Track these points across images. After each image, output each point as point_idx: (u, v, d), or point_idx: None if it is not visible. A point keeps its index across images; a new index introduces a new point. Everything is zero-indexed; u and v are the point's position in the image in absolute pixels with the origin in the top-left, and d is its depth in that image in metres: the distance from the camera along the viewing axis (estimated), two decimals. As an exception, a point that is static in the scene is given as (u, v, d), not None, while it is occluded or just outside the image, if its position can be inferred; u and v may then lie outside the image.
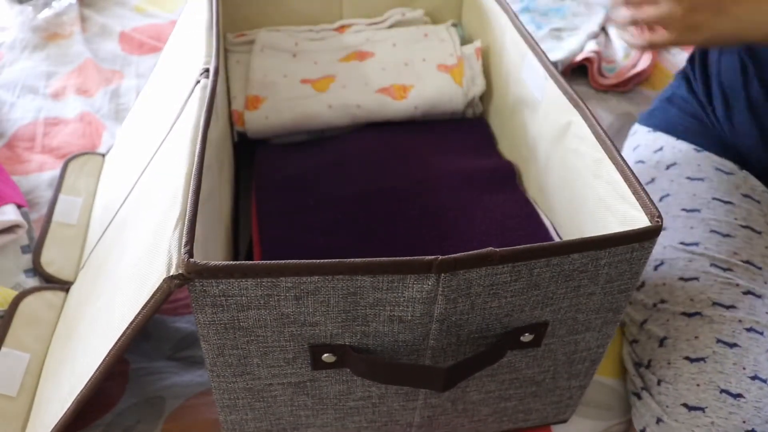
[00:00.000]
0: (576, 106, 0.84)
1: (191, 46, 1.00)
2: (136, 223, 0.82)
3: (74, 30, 1.63)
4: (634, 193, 0.70)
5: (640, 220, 0.69)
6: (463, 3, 1.28)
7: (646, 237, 0.66)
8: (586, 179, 0.81)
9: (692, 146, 1.13)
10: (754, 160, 1.09)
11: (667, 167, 1.11)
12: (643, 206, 0.69)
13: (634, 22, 0.91)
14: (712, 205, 1.02)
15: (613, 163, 0.75)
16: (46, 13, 1.63)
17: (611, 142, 0.77)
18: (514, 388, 0.80)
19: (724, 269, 0.93)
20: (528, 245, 0.62)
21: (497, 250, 0.62)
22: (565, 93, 0.86)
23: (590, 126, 0.80)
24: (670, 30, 0.88)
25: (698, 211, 1.02)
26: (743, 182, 1.07)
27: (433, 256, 0.60)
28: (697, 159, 1.11)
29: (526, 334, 0.71)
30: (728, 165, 1.09)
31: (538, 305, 0.68)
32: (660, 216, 0.66)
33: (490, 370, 0.75)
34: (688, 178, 1.08)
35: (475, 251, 0.61)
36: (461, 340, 0.69)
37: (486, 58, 1.17)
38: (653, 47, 0.91)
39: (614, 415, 0.93)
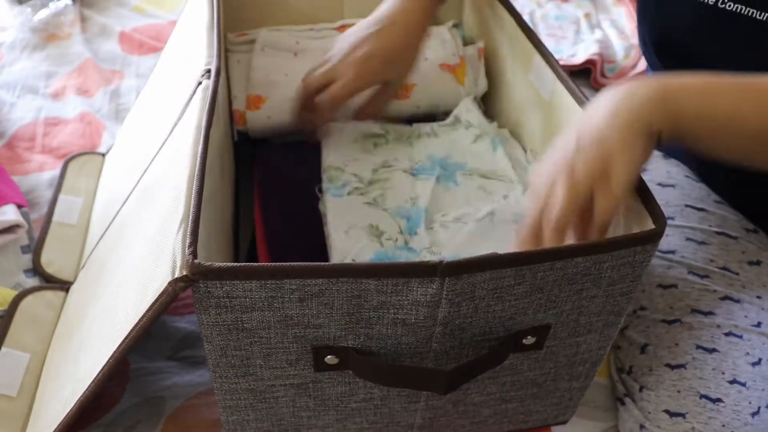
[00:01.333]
0: (583, 107, 0.84)
1: (192, 46, 1.00)
2: (138, 224, 0.82)
3: (74, 30, 1.63)
4: (640, 194, 0.71)
5: (645, 223, 0.69)
6: (464, 3, 1.28)
7: (648, 240, 0.66)
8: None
9: (659, 153, 1.14)
10: (709, 173, 1.10)
11: None
12: (649, 209, 0.69)
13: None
14: (685, 212, 1.03)
15: None
16: (45, 12, 1.63)
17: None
18: (515, 390, 0.80)
19: (702, 276, 0.94)
20: (531, 249, 0.62)
21: (501, 254, 0.62)
22: (574, 95, 0.86)
23: None
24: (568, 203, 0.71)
25: (672, 218, 1.03)
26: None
27: (437, 260, 0.61)
28: (666, 165, 1.12)
29: (529, 337, 0.71)
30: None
31: (541, 308, 0.68)
32: (664, 219, 0.67)
33: (492, 372, 0.75)
34: (659, 184, 1.08)
35: (480, 255, 0.61)
36: (464, 342, 0.70)
37: (489, 59, 1.17)
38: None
39: (613, 416, 0.93)
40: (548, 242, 0.70)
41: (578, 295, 0.68)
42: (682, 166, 1.12)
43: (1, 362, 0.89)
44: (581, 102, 0.84)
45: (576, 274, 0.66)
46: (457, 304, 0.64)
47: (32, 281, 1.04)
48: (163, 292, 0.62)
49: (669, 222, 1.01)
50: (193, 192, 0.68)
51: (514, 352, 0.73)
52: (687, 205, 1.04)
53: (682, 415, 0.82)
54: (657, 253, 0.98)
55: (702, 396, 0.82)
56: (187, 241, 0.63)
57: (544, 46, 0.95)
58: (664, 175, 1.10)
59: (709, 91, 0.72)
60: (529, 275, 0.64)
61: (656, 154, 1.15)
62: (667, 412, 0.83)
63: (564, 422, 0.90)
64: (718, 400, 0.82)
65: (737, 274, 0.95)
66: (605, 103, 0.72)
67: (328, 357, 0.69)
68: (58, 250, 1.08)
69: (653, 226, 0.68)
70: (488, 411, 0.82)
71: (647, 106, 0.70)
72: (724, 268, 0.95)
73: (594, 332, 0.75)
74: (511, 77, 1.08)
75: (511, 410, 0.84)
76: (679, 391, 0.84)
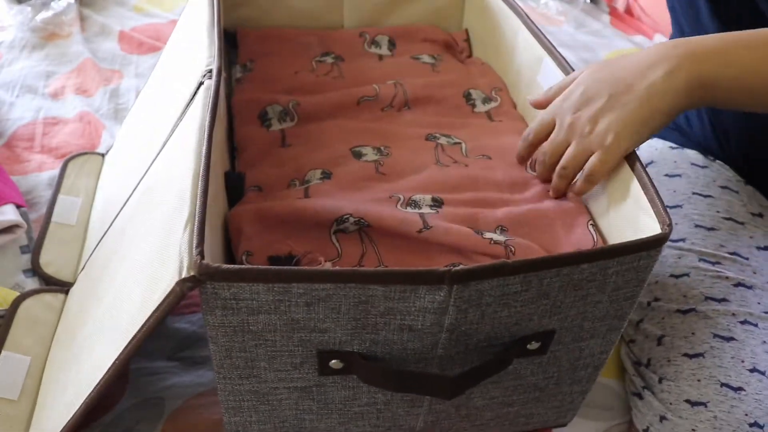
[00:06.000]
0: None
1: (192, 46, 1.00)
2: (141, 224, 0.82)
3: (73, 30, 1.63)
4: (650, 200, 0.71)
5: (651, 228, 0.69)
6: (465, 3, 1.28)
7: (654, 245, 0.66)
8: (603, 185, 0.82)
9: (667, 143, 1.15)
10: (716, 153, 1.11)
11: (645, 166, 1.12)
12: (657, 214, 0.69)
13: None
14: (692, 200, 1.04)
15: (631, 169, 0.76)
16: (45, 13, 1.63)
17: (628, 147, 0.77)
18: (518, 394, 0.80)
19: (713, 263, 0.95)
20: (538, 257, 0.62)
21: (509, 261, 0.62)
22: None
23: None
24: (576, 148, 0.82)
25: (680, 206, 1.03)
26: (718, 175, 1.08)
27: (446, 268, 0.61)
28: (673, 156, 1.13)
29: (533, 343, 0.71)
30: (701, 158, 1.11)
31: (546, 314, 0.69)
32: (670, 224, 0.67)
33: (496, 376, 0.75)
34: (666, 175, 1.09)
35: (488, 263, 0.62)
36: (469, 348, 0.70)
37: (494, 60, 1.17)
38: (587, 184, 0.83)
39: (615, 415, 0.93)
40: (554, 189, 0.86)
41: (583, 301, 0.69)
42: (687, 152, 1.12)
43: (2, 366, 0.88)
44: None
45: (581, 280, 0.66)
46: (464, 311, 0.64)
47: (31, 281, 1.04)
48: (170, 292, 0.62)
49: (677, 210, 1.03)
50: (199, 191, 0.68)
51: (518, 357, 0.73)
52: (694, 193, 1.05)
53: (704, 404, 0.82)
54: (667, 243, 0.98)
55: (723, 384, 0.83)
56: (195, 241, 0.62)
57: (554, 46, 0.95)
58: (672, 166, 1.10)
59: (746, 62, 0.79)
60: (536, 282, 0.64)
61: (664, 145, 1.15)
62: (688, 401, 0.83)
63: (564, 424, 0.90)
64: (740, 388, 0.82)
65: (747, 259, 0.95)
66: (646, 71, 0.80)
67: (333, 361, 0.69)
68: (57, 250, 1.07)
69: (659, 231, 0.68)
70: (490, 414, 0.82)
71: (683, 93, 0.79)
72: (734, 254, 0.96)
73: (597, 337, 0.75)
74: (517, 78, 1.08)
75: (513, 413, 0.84)
76: (699, 380, 0.84)
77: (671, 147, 1.15)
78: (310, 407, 0.76)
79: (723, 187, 1.06)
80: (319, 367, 0.70)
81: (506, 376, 0.76)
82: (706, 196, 1.04)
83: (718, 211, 1.01)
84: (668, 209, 1.01)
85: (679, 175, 1.08)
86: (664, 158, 1.13)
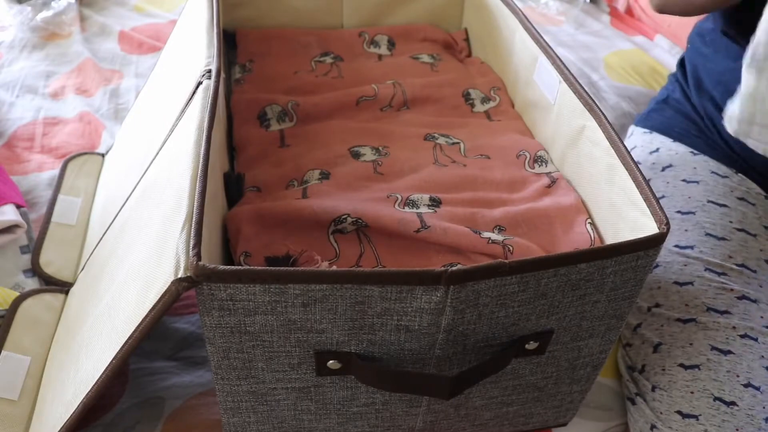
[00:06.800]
0: (590, 110, 0.84)
1: (192, 46, 1.00)
2: (139, 225, 0.82)
3: (73, 29, 1.63)
4: (646, 200, 0.71)
5: (649, 228, 0.69)
6: (464, 3, 1.28)
7: (651, 245, 0.66)
8: (600, 185, 0.82)
9: (689, 149, 1.14)
10: (749, 164, 1.10)
11: (663, 169, 1.12)
12: (653, 213, 0.69)
13: None
14: (707, 207, 1.03)
15: (627, 170, 0.75)
16: (46, 12, 1.63)
17: (625, 147, 0.77)
18: (517, 394, 0.80)
19: (719, 273, 0.94)
20: (536, 257, 0.62)
21: (506, 261, 0.62)
22: (580, 97, 0.86)
23: (604, 131, 0.80)
24: None
25: (693, 213, 1.02)
26: (738, 185, 1.07)
27: (442, 268, 0.61)
28: (694, 162, 1.12)
29: (531, 342, 0.71)
30: (723, 168, 1.10)
31: (544, 314, 0.68)
32: (668, 223, 0.67)
33: (494, 376, 0.75)
34: (684, 180, 1.08)
35: (485, 263, 0.61)
36: (467, 348, 0.70)
37: (493, 59, 1.17)
38: None
39: (614, 416, 0.93)
40: None
41: (581, 301, 0.69)
42: (710, 161, 1.11)
43: (2, 366, 0.88)
44: (587, 104, 0.84)
45: (579, 280, 0.66)
46: (461, 311, 0.64)
47: (31, 281, 1.04)
48: (166, 291, 0.62)
49: (689, 217, 1.02)
50: (197, 192, 0.68)
51: (516, 357, 0.73)
52: (709, 201, 1.04)
53: (695, 417, 0.82)
54: (674, 249, 0.98)
55: (716, 398, 0.82)
56: (191, 242, 0.63)
57: (549, 46, 0.95)
58: (690, 172, 1.09)
59: None
60: (533, 282, 0.64)
61: (685, 150, 1.14)
62: (679, 413, 0.83)
63: (564, 424, 0.90)
64: (733, 403, 0.82)
65: (755, 272, 0.95)
66: None
67: (331, 362, 0.69)
68: (57, 250, 1.07)
69: (656, 230, 0.68)
70: (489, 414, 0.82)
71: None
72: (742, 266, 0.95)
73: (596, 336, 0.75)
74: (515, 77, 1.08)
75: (512, 413, 0.84)
76: (692, 392, 0.84)
77: (692, 152, 1.13)
78: (308, 408, 0.76)
79: (740, 199, 1.05)
80: (316, 367, 0.70)
81: (505, 376, 0.76)
82: (721, 205, 1.03)
83: (731, 221, 1.00)
84: (681, 215, 1.01)
85: (696, 182, 1.07)
86: (684, 163, 1.11)
